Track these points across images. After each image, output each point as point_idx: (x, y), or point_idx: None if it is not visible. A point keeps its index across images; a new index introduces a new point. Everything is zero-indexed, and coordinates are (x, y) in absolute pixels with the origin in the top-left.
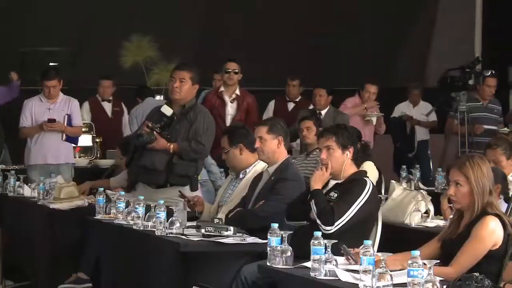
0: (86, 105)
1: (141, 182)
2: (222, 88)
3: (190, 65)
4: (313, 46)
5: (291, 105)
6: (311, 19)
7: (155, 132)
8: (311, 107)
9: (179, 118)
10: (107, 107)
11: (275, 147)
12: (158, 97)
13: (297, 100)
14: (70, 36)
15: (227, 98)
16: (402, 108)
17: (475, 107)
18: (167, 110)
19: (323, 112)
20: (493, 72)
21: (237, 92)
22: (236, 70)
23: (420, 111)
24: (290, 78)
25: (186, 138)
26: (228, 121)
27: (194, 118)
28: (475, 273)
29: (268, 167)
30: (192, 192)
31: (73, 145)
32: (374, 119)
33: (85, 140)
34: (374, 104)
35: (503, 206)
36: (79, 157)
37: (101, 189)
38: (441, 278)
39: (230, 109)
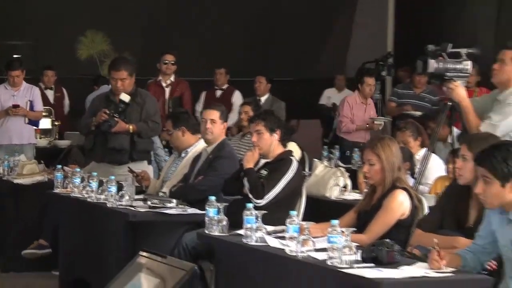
0: None
1: (106, 162)
2: (160, 77)
3: (125, 62)
4: (248, 39)
5: (218, 92)
6: (247, 15)
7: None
8: (236, 93)
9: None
10: (50, 94)
11: (221, 131)
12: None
13: (224, 87)
14: (31, 31)
15: (164, 85)
16: (328, 94)
17: (407, 94)
18: (125, 97)
19: (263, 99)
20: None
21: (172, 79)
22: (173, 62)
23: (343, 96)
24: (217, 67)
25: (140, 119)
26: (166, 105)
27: (142, 102)
28: (386, 239)
29: (207, 147)
30: (148, 166)
31: (35, 127)
32: (382, 123)
33: (45, 123)
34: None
35: (411, 182)
36: (40, 138)
37: (59, 166)
38: (357, 244)
39: (168, 94)
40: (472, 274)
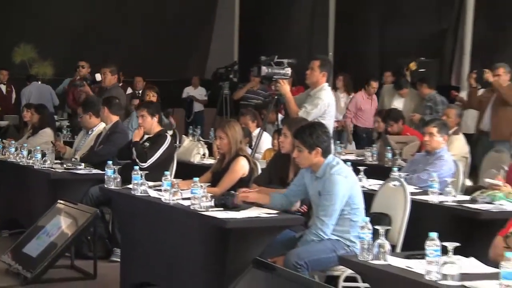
0: None
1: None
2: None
3: (110, 64)
4: (132, 42)
5: None
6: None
7: None
8: (129, 90)
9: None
10: (3, 88)
11: (106, 114)
12: (39, 82)
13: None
14: None
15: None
16: (187, 90)
17: (251, 90)
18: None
19: (140, 92)
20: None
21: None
22: (84, 66)
23: (198, 92)
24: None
25: None
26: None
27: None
28: (231, 191)
29: (106, 126)
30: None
31: None
32: None
33: None
34: None
35: (249, 151)
36: None
37: None
38: (211, 194)
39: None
40: (290, 214)
